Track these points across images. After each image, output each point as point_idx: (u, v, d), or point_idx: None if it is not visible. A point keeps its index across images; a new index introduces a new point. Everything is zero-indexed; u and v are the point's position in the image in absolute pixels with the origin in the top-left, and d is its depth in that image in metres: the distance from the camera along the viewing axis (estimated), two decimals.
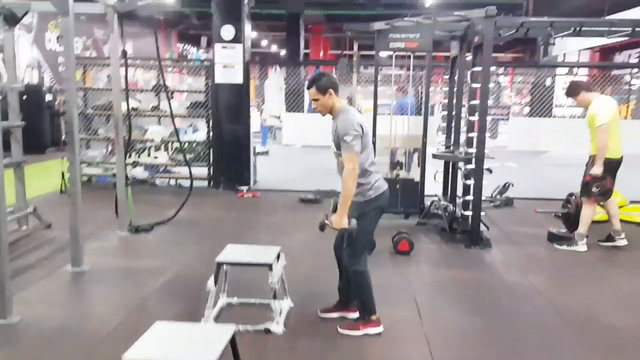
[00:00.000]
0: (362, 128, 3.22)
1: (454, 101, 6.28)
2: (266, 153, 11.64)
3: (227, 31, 7.69)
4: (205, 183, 8.07)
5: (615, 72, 16.32)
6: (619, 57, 19.29)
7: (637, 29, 5.36)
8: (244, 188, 7.80)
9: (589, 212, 5.17)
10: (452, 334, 3.41)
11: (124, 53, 5.34)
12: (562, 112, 15.61)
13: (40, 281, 4.15)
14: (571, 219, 5.58)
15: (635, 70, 16.68)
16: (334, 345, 3.24)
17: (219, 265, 3.42)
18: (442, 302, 3.93)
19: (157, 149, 8.34)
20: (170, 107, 5.86)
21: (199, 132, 8.40)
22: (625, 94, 16.18)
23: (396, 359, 3.08)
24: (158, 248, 5.15)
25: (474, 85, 5.14)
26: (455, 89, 6.38)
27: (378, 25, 5.89)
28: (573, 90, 5.20)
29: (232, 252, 3.56)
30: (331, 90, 3.28)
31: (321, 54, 22.46)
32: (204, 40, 25.96)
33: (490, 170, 5.27)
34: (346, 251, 3.40)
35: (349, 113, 3.28)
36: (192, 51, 25.66)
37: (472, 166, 5.20)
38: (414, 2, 14.65)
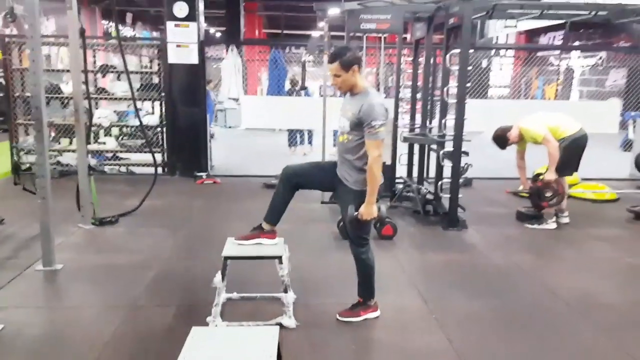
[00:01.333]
0: (388, 115, 3.11)
1: (418, 83, 6.33)
2: (212, 137, 11.27)
3: (180, 8, 7.27)
4: (159, 170, 7.67)
5: (539, 53, 17.15)
6: (544, 39, 20.26)
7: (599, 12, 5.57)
8: (203, 174, 7.50)
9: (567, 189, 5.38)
10: (461, 318, 3.42)
11: (82, 32, 4.91)
12: (496, 92, 16.28)
13: (11, 284, 3.77)
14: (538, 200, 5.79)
15: (557, 52, 17.63)
16: (349, 336, 3.17)
17: (226, 259, 3.23)
18: (440, 286, 3.95)
19: (106, 134, 7.83)
20: (132, 90, 5.47)
21: (151, 115, 7.96)
22: (554, 74, 17.03)
23: (416, 347, 3.05)
24: (131, 241, 4.83)
25: (454, 67, 5.16)
26: (419, 72, 6.42)
27: (349, 5, 5.77)
28: (504, 143, 5.51)
29: (236, 246, 3.37)
30: (356, 67, 3.07)
31: (256, 32, 21.98)
32: (129, 17, 24.68)
33: (467, 153, 5.34)
34: (354, 240, 3.32)
35: (376, 96, 3.11)
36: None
37: (449, 149, 5.26)
38: None
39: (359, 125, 3.06)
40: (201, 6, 7.49)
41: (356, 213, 3.12)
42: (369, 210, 3.10)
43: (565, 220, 5.55)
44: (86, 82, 5.00)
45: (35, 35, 3.73)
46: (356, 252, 3.32)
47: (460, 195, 5.31)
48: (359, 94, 3.13)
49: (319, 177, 3.42)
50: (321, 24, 5.32)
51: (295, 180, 3.36)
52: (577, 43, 18.23)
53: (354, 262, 3.35)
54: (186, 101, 7.56)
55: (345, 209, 3.19)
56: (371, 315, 3.37)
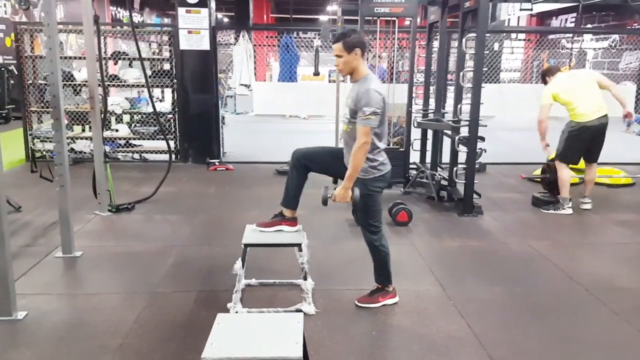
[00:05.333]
0: (384, 103, 3.08)
1: (433, 68, 6.27)
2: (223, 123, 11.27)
3: None
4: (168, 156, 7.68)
5: (551, 36, 16.93)
6: (555, 22, 20.01)
7: None
8: (215, 161, 7.50)
9: (564, 176, 5.35)
10: (480, 304, 3.43)
11: (96, 18, 4.89)
12: (507, 76, 16.09)
13: (32, 271, 3.81)
14: (552, 184, 5.77)
15: (569, 35, 17.39)
16: (369, 322, 3.18)
17: (246, 247, 3.24)
18: (458, 272, 3.95)
19: (118, 121, 7.85)
20: (146, 77, 5.46)
21: (163, 102, 7.96)
22: (566, 57, 16.80)
23: (436, 334, 3.05)
24: (148, 228, 4.86)
25: (470, 51, 5.10)
26: (434, 56, 6.36)
27: None
28: (543, 79, 5.51)
29: (256, 233, 3.38)
30: (358, 50, 3.08)
31: (264, 17, 21.85)
32: (137, 3, 24.60)
33: (482, 138, 5.31)
34: (365, 228, 3.31)
35: (373, 82, 3.09)
36: (124, 14, 24.21)
37: (465, 134, 5.23)
38: None
39: (356, 112, 3.05)
40: None
41: (328, 195, 3.11)
42: (344, 193, 3.09)
43: (569, 211, 5.39)
44: (101, 70, 4.99)
45: (51, 22, 3.73)
46: (369, 239, 3.32)
47: (475, 181, 5.29)
48: (359, 81, 3.13)
49: (328, 161, 3.40)
50: (331, 8, 5.26)
51: (304, 162, 3.35)
52: (589, 25, 17.99)
53: (368, 249, 3.36)
54: (198, 88, 7.55)
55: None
56: (390, 301, 3.38)
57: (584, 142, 5.27)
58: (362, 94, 3.02)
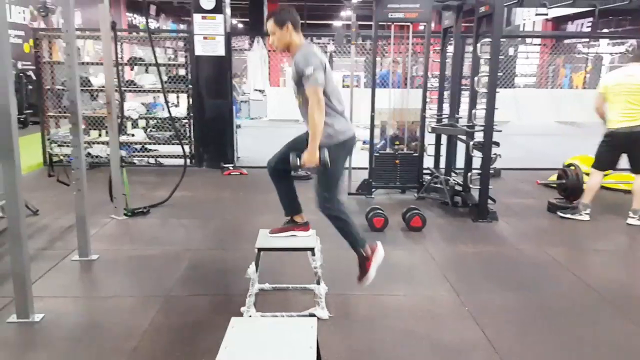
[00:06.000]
0: (322, 62, 3.10)
1: (447, 72, 6.27)
2: (239, 127, 11.36)
3: (207, 0, 7.30)
4: (183, 161, 7.74)
5: (566, 41, 16.81)
6: (571, 27, 19.84)
7: None
8: (230, 166, 7.55)
9: (592, 182, 5.28)
10: (495, 311, 3.40)
11: (113, 25, 4.95)
12: (522, 81, 16.00)
13: (49, 273, 3.86)
14: (568, 190, 5.71)
15: (585, 39, 17.24)
16: (382, 327, 3.17)
17: (260, 251, 3.26)
18: (473, 278, 3.92)
19: (134, 126, 7.93)
20: (162, 82, 5.52)
21: (178, 107, 8.03)
22: (581, 62, 16.67)
23: (450, 339, 3.04)
24: (163, 232, 4.90)
25: (484, 56, 5.09)
26: (448, 61, 6.36)
27: None
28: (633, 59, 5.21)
29: (269, 238, 3.40)
30: (289, 25, 3.17)
31: None
32: (153, 9, 24.87)
33: (497, 144, 5.28)
34: (319, 198, 3.27)
35: (307, 47, 3.18)
36: (140, 20, 24.50)
37: (480, 139, 5.20)
38: None
39: (300, 79, 3.09)
40: None
41: (298, 161, 3.11)
42: (311, 157, 3.08)
43: (586, 217, 5.27)
44: (118, 75, 5.05)
45: (70, 29, 3.78)
46: (322, 208, 3.26)
47: (490, 187, 5.26)
48: (295, 52, 3.18)
49: (297, 149, 3.32)
50: (345, 14, 5.30)
51: (279, 167, 3.38)
52: (606, 30, 17.82)
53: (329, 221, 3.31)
54: (212, 93, 7.61)
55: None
56: (377, 259, 3.30)
57: (614, 149, 5.17)
58: (299, 59, 3.08)
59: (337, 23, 28.90)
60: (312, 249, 3.28)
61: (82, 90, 7.31)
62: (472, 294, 3.62)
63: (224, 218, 5.35)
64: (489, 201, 5.34)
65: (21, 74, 11.76)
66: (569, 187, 5.66)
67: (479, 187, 5.26)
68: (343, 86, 13.52)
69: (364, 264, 3.32)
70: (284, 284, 3.62)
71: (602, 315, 3.37)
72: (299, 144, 3.31)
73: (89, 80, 7.70)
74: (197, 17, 7.36)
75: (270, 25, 3.20)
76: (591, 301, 3.56)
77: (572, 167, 5.69)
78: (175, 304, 3.43)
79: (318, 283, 3.29)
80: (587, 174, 5.44)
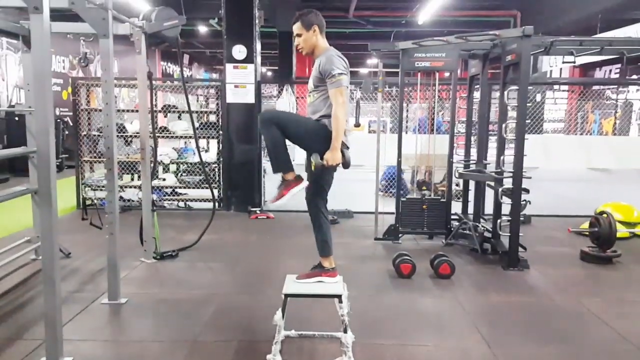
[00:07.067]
0: (346, 67, 3.22)
1: (473, 119, 6.28)
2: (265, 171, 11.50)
3: (239, 51, 7.56)
4: (212, 205, 7.86)
5: (595, 87, 16.73)
6: (599, 73, 19.78)
7: None
8: (257, 210, 7.62)
9: None
10: None
11: (150, 74, 5.15)
12: (551, 127, 15.91)
13: (78, 316, 3.90)
14: (601, 239, 5.57)
15: (614, 86, 17.13)
16: None
17: (286, 297, 3.25)
18: (504, 329, 3.82)
19: (166, 170, 8.11)
20: (194, 128, 5.68)
21: (208, 152, 8.21)
22: (611, 108, 16.53)
23: None
24: (191, 275, 4.93)
25: (512, 103, 5.11)
26: (474, 107, 6.39)
27: (403, 45, 5.84)
28: None
29: (296, 284, 3.39)
30: (316, 27, 3.29)
31: (306, 71, 22.47)
32: (186, 59, 25.80)
33: (527, 190, 5.23)
34: (310, 190, 3.41)
35: (334, 51, 3.28)
36: (174, 69, 25.41)
37: (509, 186, 5.16)
38: (401, 20, 14.78)
39: (322, 80, 3.19)
40: (258, 48, 7.75)
41: (320, 160, 3.17)
42: (334, 155, 3.15)
43: None
44: (152, 122, 5.22)
45: (108, 79, 3.95)
46: (310, 200, 3.46)
47: (520, 234, 5.18)
48: (319, 55, 3.29)
49: (302, 127, 3.35)
50: (371, 62, 5.45)
51: (275, 121, 3.28)
52: (635, 76, 17.70)
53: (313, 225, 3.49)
54: (242, 138, 7.76)
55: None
56: (328, 280, 3.41)
57: None
58: (327, 61, 3.18)
59: (364, 70, 29.42)
60: (339, 296, 3.25)
61: (117, 136, 7.59)
62: (505, 346, 3.51)
63: (251, 262, 5.37)
64: (520, 249, 5.24)
65: (59, 120, 12.23)
66: (601, 235, 5.52)
67: (508, 234, 5.18)
68: (369, 131, 13.67)
69: (318, 271, 3.44)
70: (311, 331, 3.58)
71: None
72: (309, 129, 3.31)
73: (124, 127, 7.96)
74: (229, 67, 7.60)
75: (296, 27, 3.31)
76: (628, 355, 3.42)
77: (605, 215, 5.56)
78: (202, 350, 3.41)
79: (345, 331, 3.24)
80: (620, 222, 5.31)
